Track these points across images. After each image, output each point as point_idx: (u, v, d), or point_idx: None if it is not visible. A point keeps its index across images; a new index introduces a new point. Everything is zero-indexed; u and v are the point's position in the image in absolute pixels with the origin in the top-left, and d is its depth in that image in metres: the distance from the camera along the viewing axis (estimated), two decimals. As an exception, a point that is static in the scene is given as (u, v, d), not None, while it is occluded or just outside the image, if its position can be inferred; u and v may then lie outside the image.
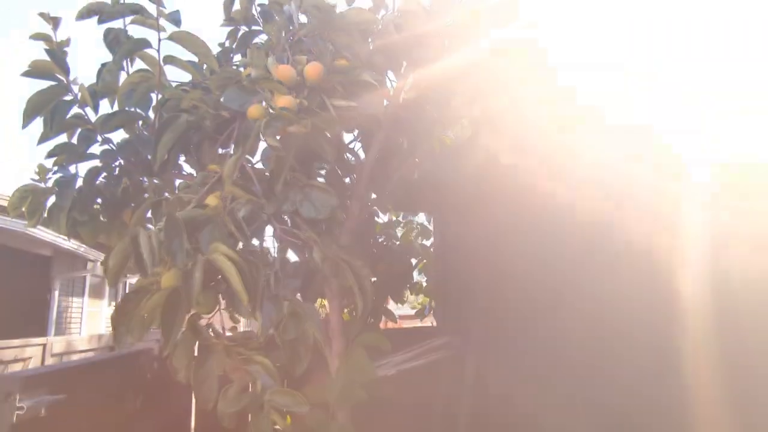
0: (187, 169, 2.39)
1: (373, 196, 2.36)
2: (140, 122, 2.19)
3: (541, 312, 1.96)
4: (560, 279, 1.86)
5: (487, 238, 2.46)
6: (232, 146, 1.80)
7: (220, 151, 1.98)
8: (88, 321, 8.08)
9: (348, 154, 2.22)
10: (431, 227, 3.18)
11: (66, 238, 2.30)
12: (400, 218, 3.26)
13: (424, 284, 3.42)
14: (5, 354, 3.29)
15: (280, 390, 1.37)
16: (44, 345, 3.85)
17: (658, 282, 1.43)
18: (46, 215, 2.27)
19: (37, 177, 2.22)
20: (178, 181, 2.16)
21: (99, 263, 7.33)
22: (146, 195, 2.39)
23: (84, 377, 1.75)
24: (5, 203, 6.94)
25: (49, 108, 1.80)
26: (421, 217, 3.42)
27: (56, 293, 7.00)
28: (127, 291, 10.47)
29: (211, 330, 1.43)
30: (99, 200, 2.46)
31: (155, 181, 2.24)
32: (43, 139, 1.96)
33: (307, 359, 1.39)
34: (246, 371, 1.37)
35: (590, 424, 1.72)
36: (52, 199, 2.26)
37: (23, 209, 2.26)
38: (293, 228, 1.61)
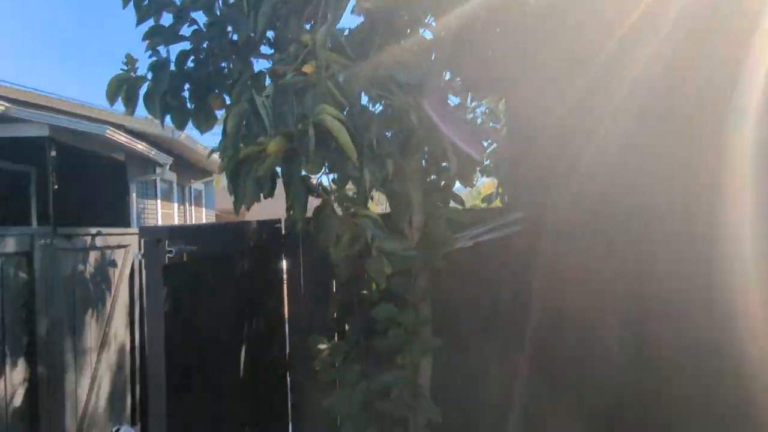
0: (265, 51, 2.44)
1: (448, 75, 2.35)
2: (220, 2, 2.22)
3: (621, 207, 1.93)
4: (649, 169, 1.75)
5: (566, 122, 2.44)
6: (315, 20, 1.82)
7: (306, 26, 2.01)
8: (163, 221, 8.74)
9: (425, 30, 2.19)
10: (502, 111, 3.15)
11: (159, 123, 2.47)
12: (470, 102, 3.24)
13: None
14: (111, 240, 3.67)
15: (388, 237, 1.52)
16: (138, 235, 4.24)
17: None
18: (142, 101, 2.42)
19: (126, 67, 2.34)
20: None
21: (167, 167, 7.75)
22: (229, 82, 2.48)
23: (209, 236, 1.98)
24: (86, 112, 7.22)
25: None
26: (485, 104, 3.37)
27: (134, 195, 7.55)
28: (192, 195, 11.07)
29: (320, 188, 1.57)
30: (187, 86, 2.58)
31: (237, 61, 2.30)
32: (140, 21, 2.04)
33: (408, 214, 1.52)
34: (356, 223, 1.52)
35: (651, 317, 1.77)
36: (144, 87, 2.39)
37: (120, 98, 2.42)
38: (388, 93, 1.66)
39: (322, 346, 2.58)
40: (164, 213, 9.01)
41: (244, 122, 1.60)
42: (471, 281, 3.03)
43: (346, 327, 2.69)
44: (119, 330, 3.99)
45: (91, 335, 3.52)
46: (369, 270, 1.52)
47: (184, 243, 1.60)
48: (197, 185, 11.44)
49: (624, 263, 1.82)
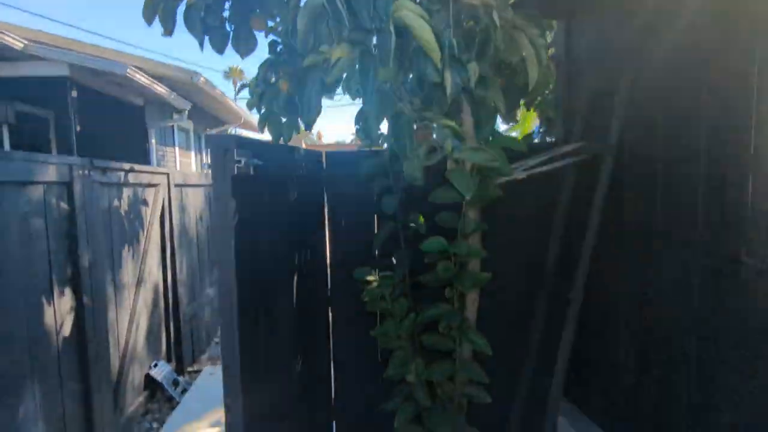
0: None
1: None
2: None
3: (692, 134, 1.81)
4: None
5: (630, 47, 2.28)
6: None
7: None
8: (182, 169, 8.68)
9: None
10: (554, 38, 2.98)
11: (198, 45, 2.34)
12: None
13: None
14: (142, 177, 3.61)
15: (472, 148, 1.42)
16: (167, 174, 4.18)
17: None
18: (182, 19, 2.29)
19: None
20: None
21: (185, 113, 7.61)
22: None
23: (271, 154, 1.91)
24: (105, 54, 6.97)
25: None
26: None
27: (153, 141, 7.46)
28: (206, 144, 10.96)
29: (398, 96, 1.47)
30: (228, 5, 2.44)
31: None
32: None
33: (491, 124, 1.43)
34: (431, 133, 1.43)
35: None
36: (182, 5, 2.26)
37: (158, 17, 2.28)
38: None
39: (371, 278, 2.54)
40: (183, 162, 8.94)
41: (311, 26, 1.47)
42: (519, 216, 2.95)
43: (394, 261, 2.64)
44: (153, 269, 3.99)
45: (128, 271, 3.52)
46: (454, 180, 1.44)
47: (250, 155, 1.52)
48: (213, 131, 11.32)
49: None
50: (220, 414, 3.68)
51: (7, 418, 2.16)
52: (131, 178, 3.52)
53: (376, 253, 2.92)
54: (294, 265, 2.38)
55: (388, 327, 2.45)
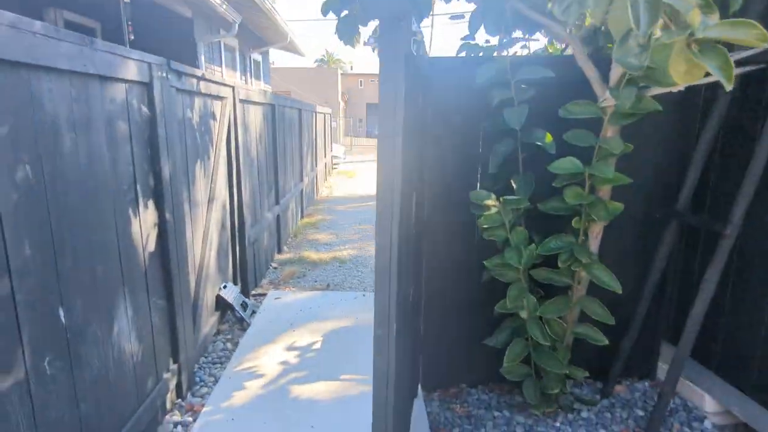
0: None
1: None
2: None
3: None
4: None
5: None
6: None
7: None
8: (229, 90, 8.36)
9: None
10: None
11: None
12: None
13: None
14: (211, 88, 3.32)
15: (728, 21, 1.06)
16: (233, 88, 3.87)
17: None
18: None
19: None
20: None
21: (235, 26, 7.16)
22: None
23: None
24: None
25: None
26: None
27: (202, 58, 7.10)
28: (252, 66, 10.51)
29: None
30: None
31: None
32: None
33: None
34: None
35: None
36: None
37: None
38: None
39: (490, 202, 2.25)
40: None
41: None
42: (647, 138, 2.57)
43: (513, 185, 2.33)
44: (221, 188, 3.80)
45: (200, 188, 3.32)
46: (613, 93, 1.09)
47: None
48: (256, 56, 10.84)
49: None
50: (290, 337, 3.60)
51: (105, 330, 2.03)
52: (202, 87, 3.24)
53: (477, 179, 2.61)
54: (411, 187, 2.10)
55: (510, 257, 2.19)
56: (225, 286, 3.84)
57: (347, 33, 3.26)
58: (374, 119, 50.34)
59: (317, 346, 3.48)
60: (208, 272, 3.47)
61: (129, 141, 2.26)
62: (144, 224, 2.41)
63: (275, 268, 5.49)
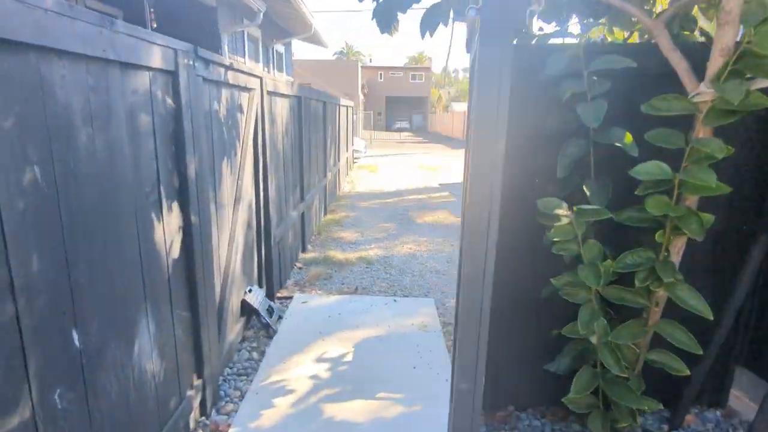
0: None
1: None
2: None
3: None
4: None
5: None
6: None
7: None
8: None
9: None
10: None
11: None
12: None
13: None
14: (239, 78, 3.07)
15: None
16: (261, 79, 3.63)
17: None
18: None
19: None
20: None
21: (260, 15, 6.92)
22: None
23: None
24: None
25: None
26: None
27: (225, 48, 6.89)
28: (275, 57, 10.27)
29: None
30: None
31: None
32: None
33: None
34: None
35: None
36: None
37: None
38: None
39: (561, 212, 1.96)
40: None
41: None
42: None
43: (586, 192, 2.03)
44: (248, 186, 3.56)
45: (227, 187, 3.09)
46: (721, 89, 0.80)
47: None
48: (279, 47, 10.60)
49: None
50: (320, 347, 3.35)
51: (125, 351, 1.80)
52: (230, 77, 2.99)
53: (537, 182, 2.32)
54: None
55: (586, 276, 1.90)
56: (250, 290, 3.62)
57: (385, 20, 3.00)
58: (394, 113, 49.96)
59: (349, 357, 3.23)
60: (234, 276, 3.24)
61: (152, 136, 2.02)
62: (168, 229, 2.18)
63: (300, 268, 5.26)
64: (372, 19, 3.03)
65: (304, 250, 5.84)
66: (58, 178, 1.42)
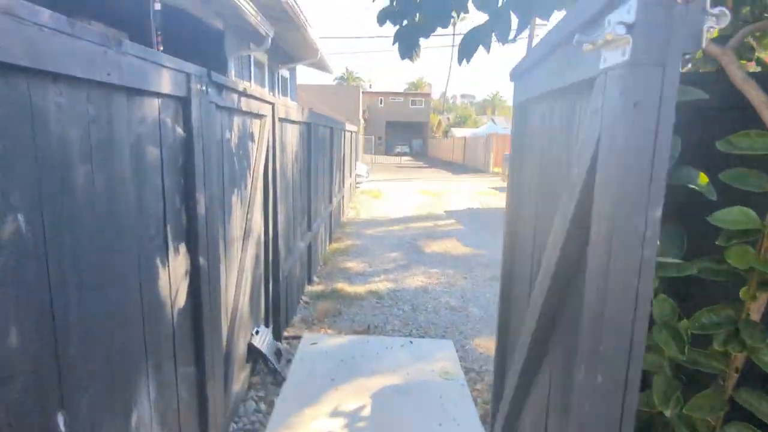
0: None
1: None
2: None
3: None
4: None
5: None
6: None
7: None
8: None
9: None
10: None
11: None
12: None
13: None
14: (252, 105, 2.85)
15: None
16: (273, 105, 3.41)
17: None
18: None
19: None
20: None
21: (269, 39, 6.77)
22: None
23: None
24: None
25: None
26: None
27: (232, 72, 6.72)
28: (280, 82, 10.16)
29: None
30: None
31: None
32: None
33: None
34: None
35: None
36: None
37: None
38: None
39: (631, 264, 1.70)
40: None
41: None
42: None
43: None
44: (257, 218, 3.31)
45: (237, 221, 2.83)
46: None
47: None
48: (284, 72, 10.50)
49: None
50: (333, 398, 3.05)
51: (121, 428, 1.51)
52: (243, 103, 2.77)
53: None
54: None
55: (665, 341, 1.63)
56: (257, 331, 3.32)
57: (407, 45, 2.82)
58: (394, 137, 50.16)
59: (366, 411, 2.92)
60: (242, 319, 2.96)
61: (160, 171, 1.77)
62: (174, 274, 1.91)
63: (307, 303, 4.97)
64: (393, 43, 2.84)
65: (310, 282, 5.56)
66: (47, 227, 1.16)
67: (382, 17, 2.83)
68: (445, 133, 51.05)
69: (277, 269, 3.80)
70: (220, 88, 2.35)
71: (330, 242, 7.61)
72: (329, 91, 31.67)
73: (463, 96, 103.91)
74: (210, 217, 2.20)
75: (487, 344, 4.03)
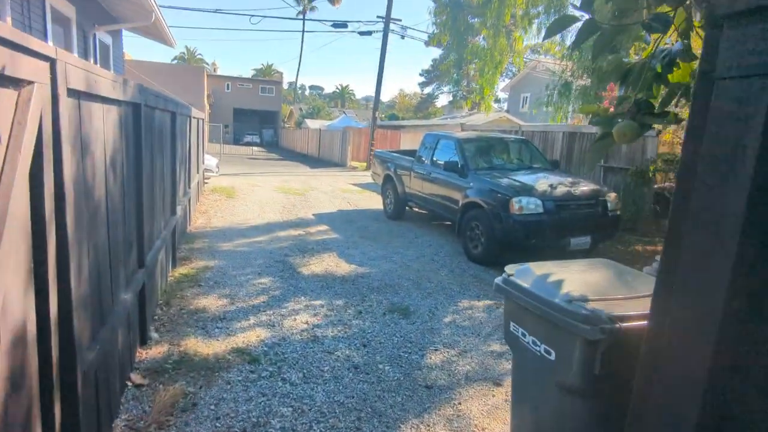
0: None
1: None
2: None
3: None
4: None
5: None
6: None
7: None
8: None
9: None
10: None
11: None
12: None
13: None
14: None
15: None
16: (53, 62, 1.77)
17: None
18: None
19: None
20: None
21: None
22: None
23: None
24: None
25: None
26: None
27: (8, 19, 4.40)
28: (97, 49, 7.70)
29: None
30: None
31: None
32: None
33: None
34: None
35: None
36: None
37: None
38: None
39: None
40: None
41: None
42: None
43: None
44: (8, 294, 1.56)
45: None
46: None
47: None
48: (104, 36, 7.97)
49: None
50: None
51: None
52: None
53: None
54: None
55: None
56: None
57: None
58: (242, 127, 46.64)
59: None
60: None
61: None
62: None
63: (139, 386, 3.17)
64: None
65: (144, 341, 3.73)
66: None
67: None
68: (299, 124, 49.08)
69: (73, 370, 2.05)
70: None
71: (174, 265, 5.68)
72: (168, 71, 27.66)
73: (311, 87, 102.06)
74: None
75: (423, 437, 2.77)
